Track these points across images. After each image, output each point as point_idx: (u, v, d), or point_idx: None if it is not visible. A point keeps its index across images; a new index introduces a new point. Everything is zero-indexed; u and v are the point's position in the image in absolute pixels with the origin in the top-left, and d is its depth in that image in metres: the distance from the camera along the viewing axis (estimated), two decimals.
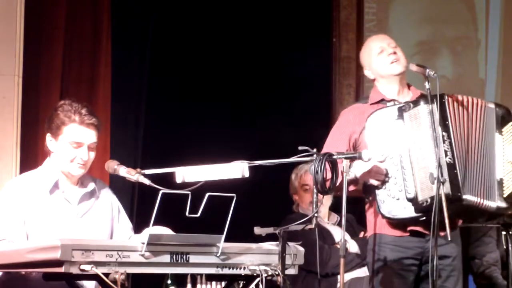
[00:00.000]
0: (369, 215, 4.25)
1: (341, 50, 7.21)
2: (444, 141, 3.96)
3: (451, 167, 3.96)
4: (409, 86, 4.34)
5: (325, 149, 4.19)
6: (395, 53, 4.27)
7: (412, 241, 4.15)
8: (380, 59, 4.30)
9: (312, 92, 6.99)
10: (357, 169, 4.06)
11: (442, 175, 3.86)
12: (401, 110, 4.10)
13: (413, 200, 4.03)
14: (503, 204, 4.09)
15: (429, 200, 3.97)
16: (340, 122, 4.36)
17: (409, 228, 4.13)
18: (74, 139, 3.82)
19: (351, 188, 4.03)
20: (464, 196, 3.97)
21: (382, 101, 4.27)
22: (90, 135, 3.83)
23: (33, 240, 3.63)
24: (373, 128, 4.13)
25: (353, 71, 7.21)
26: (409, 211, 4.05)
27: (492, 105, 4.19)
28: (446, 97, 4.09)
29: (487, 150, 4.12)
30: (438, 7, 7.39)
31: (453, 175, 3.96)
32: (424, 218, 4.04)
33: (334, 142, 4.27)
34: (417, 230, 4.13)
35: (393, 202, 4.08)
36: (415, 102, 4.09)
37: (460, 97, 4.13)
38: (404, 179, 4.06)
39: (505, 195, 4.11)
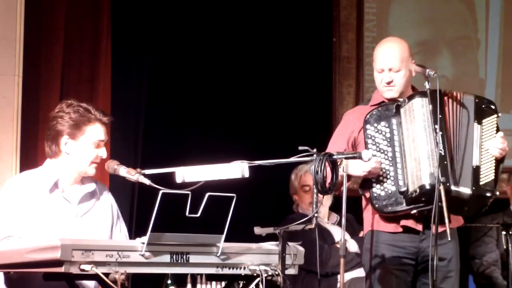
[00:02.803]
0: (366, 212, 4.28)
1: (341, 50, 7.22)
2: (436, 133, 4.03)
3: (442, 158, 4.02)
4: (413, 88, 4.33)
5: (326, 150, 4.22)
6: (389, 82, 4.22)
7: (406, 240, 4.18)
8: (378, 78, 4.27)
9: (312, 92, 6.99)
10: (352, 168, 4.07)
11: (442, 175, 3.91)
12: (397, 107, 4.17)
13: (404, 193, 4.09)
14: (477, 191, 4.11)
15: (418, 190, 4.05)
16: (342, 123, 4.42)
17: (401, 223, 4.16)
18: (99, 137, 3.84)
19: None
20: (452, 188, 4.02)
21: (382, 103, 4.29)
22: (106, 133, 3.88)
23: (32, 239, 3.62)
24: (371, 125, 4.18)
25: (353, 71, 7.22)
26: (401, 204, 4.10)
27: (470, 97, 4.25)
28: (439, 92, 4.12)
29: (467, 138, 4.17)
30: (438, 7, 7.39)
31: (443, 166, 4.02)
32: (414, 211, 4.11)
33: (334, 143, 4.33)
34: (409, 226, 4.16)
35: (386, 196, 4.13)
36: (410, 97, 4.16)
37: (452, 93, 4.21)
38: (397, 173, 4.12)
39: (482, 182, 4.15)
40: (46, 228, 3.70)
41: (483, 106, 4.24)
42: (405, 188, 4.09)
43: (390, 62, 4.22)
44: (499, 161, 4.21)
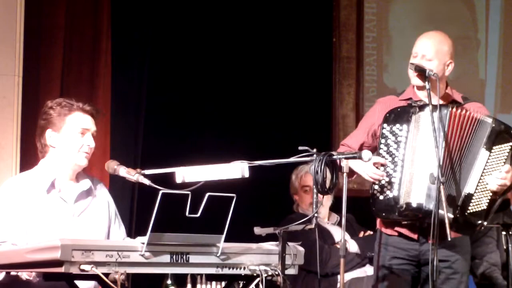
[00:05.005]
0: None
1: (341, 50, 7.22)
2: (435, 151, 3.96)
3: (433, 179, 3.96)
4: (447, 85, 4.26)
5: (347, 137, 4.37)
6: None
7: (407, 243, 4.17)
8: (410, 63, 4.22)
9: (312, 92, 6.99)
10: (355, 164, 4.08)
11: (442, 176, 3.89)
12: (411, 112, 4.13)
13: (397, 202, 4.07)
14: (461, 219, 4.05)
15: (404, 206, 4.04)
16: (369, 111, 4.42)
17: (395, 229, 4.17)
18: (81, 125, 3.83)
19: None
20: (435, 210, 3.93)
21: (410, 99, 4.25)
22: (92, 122, 3.87)
23: (31, 240, 3.62)
24: (387, 124, 4.16)
25: (353, 71, 7.22)
26: (393, 213, 4.10)
27: (488, 120, 4.13)
28: (450, 108, 4.08)
29: (469, 163, 4.09)
30: (438, 7, 7.39)
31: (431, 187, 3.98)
32: (405, 222, 4.11)
33: (356, 132, 4.36)
34: (403, 233, 4.16)
35: (384, 200, 4.12)
36: (422, 107, 4.11)
37: (464, 111, 4.10)
38: (395, 181, 4.10)
39: (470, 211, 4.07)
40: (43, 229, 3.70)
41: (499, 132, 4.10)
42: (398, 198, 4.07)
43: (424, 49, 4.18)
44: (497, 193, 4.11)
